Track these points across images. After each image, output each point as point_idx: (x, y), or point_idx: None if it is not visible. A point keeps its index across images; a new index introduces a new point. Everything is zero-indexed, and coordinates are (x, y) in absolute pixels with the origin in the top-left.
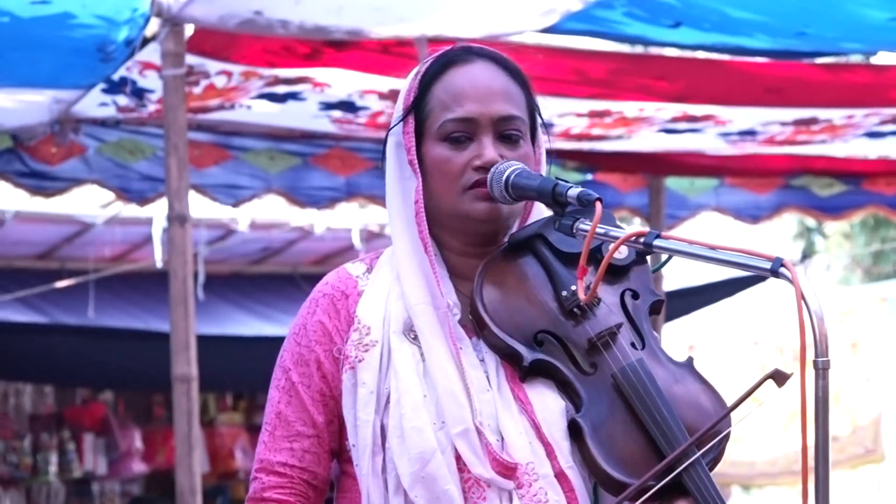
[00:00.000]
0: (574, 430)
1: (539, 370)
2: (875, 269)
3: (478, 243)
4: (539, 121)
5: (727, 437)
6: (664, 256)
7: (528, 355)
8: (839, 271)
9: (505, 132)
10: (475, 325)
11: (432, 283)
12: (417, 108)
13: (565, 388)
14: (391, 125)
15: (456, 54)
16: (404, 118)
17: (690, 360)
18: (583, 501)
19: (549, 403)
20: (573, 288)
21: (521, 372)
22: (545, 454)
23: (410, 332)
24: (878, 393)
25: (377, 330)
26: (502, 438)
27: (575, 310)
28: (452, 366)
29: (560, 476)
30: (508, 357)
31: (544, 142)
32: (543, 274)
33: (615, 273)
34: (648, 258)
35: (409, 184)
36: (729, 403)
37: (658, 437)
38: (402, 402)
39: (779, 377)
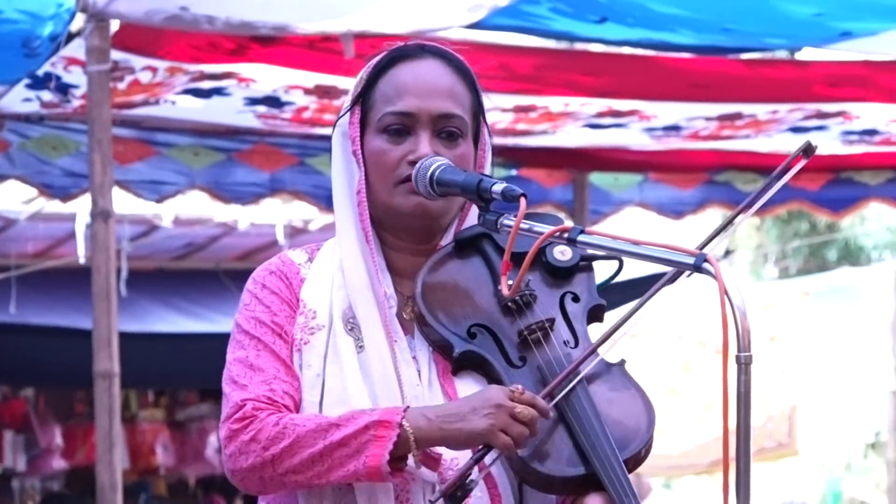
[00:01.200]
0: None
1: (470, 362)
2: (784, 262)
3: (412, 240)
4: (484, 122)
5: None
6: (613, 269)
7: (458, 346)
8: (747, 264)
9: (444, 130)
10: (416, 317)
11: (371, 273)
12: (363, 100)
13: (493, 380)
14: (339, 115)
15: (408, 50)
16: (351, 108)
17: (623, 362)
18: (506, 499)
19: None
20: (510, 283)
21: (452, 363)
22: (471, 451)
23: (348, 323)
24: (793, 385)
25: (323, 315)
26: None
27: (510, 304)
28: (388, 354)
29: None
30: (442, 349)
31: (488, 143)
32: (485, 270)
33: (558, 275)
34: (594, 266)
35: (353, 174)
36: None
37: (577, 431)
38: (338, 390)
39: (809, 150)
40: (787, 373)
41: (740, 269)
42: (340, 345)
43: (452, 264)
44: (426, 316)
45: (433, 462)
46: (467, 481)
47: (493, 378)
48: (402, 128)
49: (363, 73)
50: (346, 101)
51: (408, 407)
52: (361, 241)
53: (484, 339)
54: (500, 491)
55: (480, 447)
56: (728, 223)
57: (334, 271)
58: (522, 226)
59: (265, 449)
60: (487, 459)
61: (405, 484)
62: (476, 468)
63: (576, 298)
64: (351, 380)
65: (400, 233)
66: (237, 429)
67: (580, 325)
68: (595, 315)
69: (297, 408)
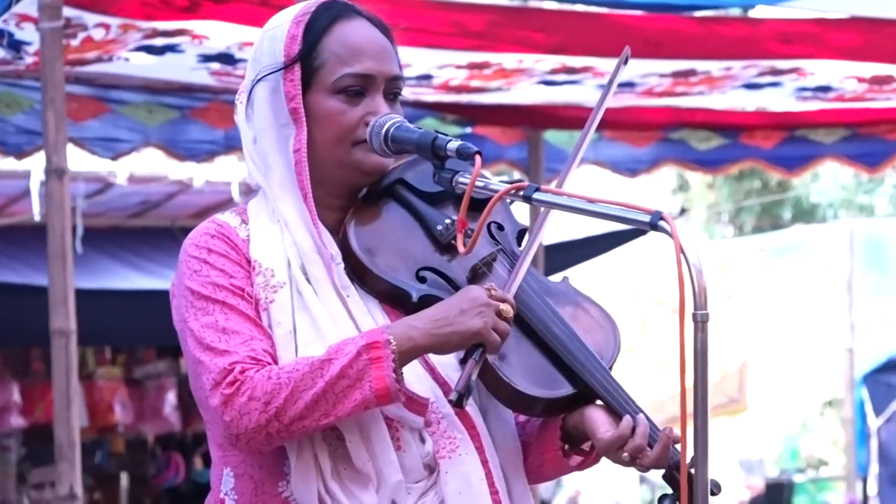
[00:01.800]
0: (470, 353)
1: (426, 306)
2: (738, 220)
3: (345, 197)
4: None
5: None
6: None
7: (415, 292)
8: (701, 223)
9: (391, 91)
10: (354, 273)
11: (313, 233)
12: (305, 59)
13: None
14: (264, 71)
15: (340, 10)
16: (288, 66)
17: (566, 279)
18: (484, 438)
19: None
20: (446, 222)
21: (409, 309)
22: (443, 394)
23: (306, 275)
24: (746, 342)
25: (282, 272)
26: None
27: (453, 242)
28: (344, 314)
29: (460, 414)
30: (393, 299)
31: None
32: (409, 215)
33: (476, 208)
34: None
35: (286, 132)
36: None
37: (560, 350)
38: (313, 338)
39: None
40: (739, 329)
41: (695, 227)
42: (306, 295)
43: (374, 214)
44: (370, 268)
45: (420, 406)
46: (470, 383)
47: None
48: (360, 89)
49: (292, 29)
50: (268, 55)
51: (387, 326)
52: (299, 200)
53: (435, 280)
54: (478, 429)
55: (470, 348)
56: (581, 143)
57: (282, 228)
58: (478, 183)
59: (266, 404)
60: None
61: (395, 431)
62: (475, 370)
63: (500, 227)
64: (325, 325)
65: (337, 190)
66: (230, 393)
67: (515, 249)
68: (521, 239)
69: (275, 359)
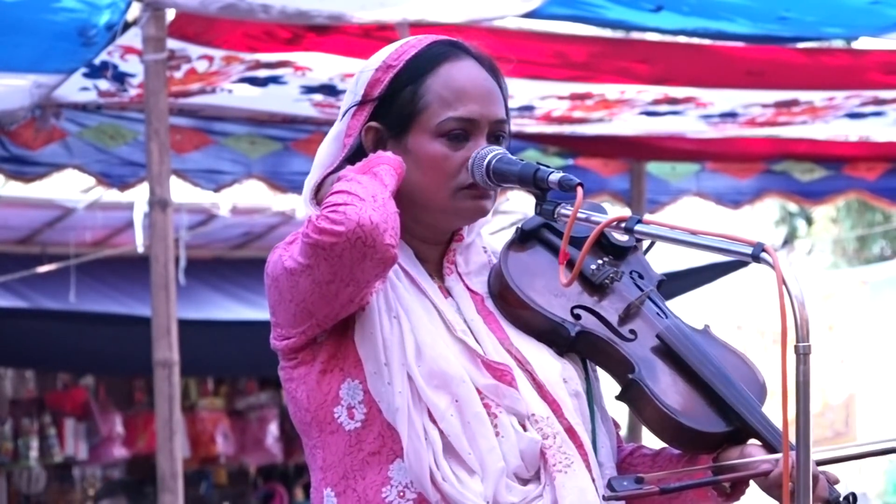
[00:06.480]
0: (632, 390)
1: (579, 343)
2: (862, 253)
3: (442, 234)
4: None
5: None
6: (647, 242)
7: (572, 327)
8: (827, 256)
9: (494, 134)
10: (510, 309)
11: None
12: (409, 100)
13: (607, 357)
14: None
15: (446, 49)
16: (361, 104)
17: (707, 327)
18: (591, 458)
19: (546, 363)
20: (599, 262)
21: (564, 346)
22: (552, 412)
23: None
24: (851, 375)
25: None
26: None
27: (605, 283)
28: (449, 336)
29: (569, 432)
30: (547, 335)
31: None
32: (554, 258)
33: (617, 255)
34: (639, 245)
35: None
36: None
37: (718, 387)
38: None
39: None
40: (846, 362)
41: (816, 259)
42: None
43: (525, 255)
44: (529, 304)
45: (500, 374)
46: None
47: (600, 352)
48: (462, 133)
49: (387, 71)
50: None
51: None
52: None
53: (589, 318)
54: (586, 449)
55: None
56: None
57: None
58: (580, 215)
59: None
60: None
61: (493, 418)
62: None
63: (640, 276)
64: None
65: (436, 229)
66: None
67: (659, 298)
68: (659, 288)
69: None
